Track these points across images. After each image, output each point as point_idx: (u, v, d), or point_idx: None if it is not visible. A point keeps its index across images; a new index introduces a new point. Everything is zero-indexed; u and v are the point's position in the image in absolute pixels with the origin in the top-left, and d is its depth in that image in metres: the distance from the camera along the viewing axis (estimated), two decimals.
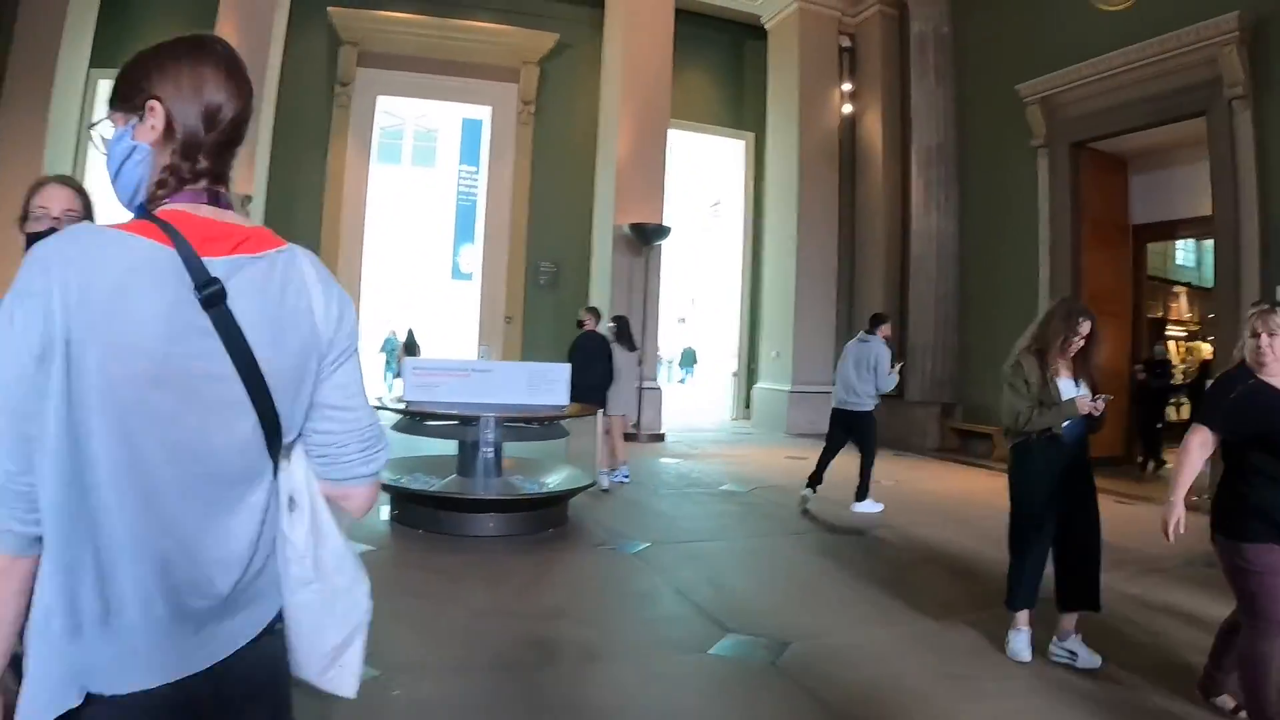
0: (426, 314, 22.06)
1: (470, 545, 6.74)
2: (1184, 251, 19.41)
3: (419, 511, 7.10)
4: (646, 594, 5.79)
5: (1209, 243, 19.61)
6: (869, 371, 8.88)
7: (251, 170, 13.52)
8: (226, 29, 13.25)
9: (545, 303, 16.46)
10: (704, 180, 21.63)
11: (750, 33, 18.26)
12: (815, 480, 8.94)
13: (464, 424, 7.27)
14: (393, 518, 7.26)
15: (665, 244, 15.02)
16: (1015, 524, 4.89)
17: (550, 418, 7.60)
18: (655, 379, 14.86)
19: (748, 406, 18.08)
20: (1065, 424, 4.68)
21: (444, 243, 24.62)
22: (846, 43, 17.03)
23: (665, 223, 14.80)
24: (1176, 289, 18.53)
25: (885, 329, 9.25)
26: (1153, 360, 12.93)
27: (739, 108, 18.58)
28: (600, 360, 9.93)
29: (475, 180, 21.12)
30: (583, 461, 8.56)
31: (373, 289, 18.39)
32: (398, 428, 7.36)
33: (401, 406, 7.38)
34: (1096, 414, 4.67)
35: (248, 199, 13.10)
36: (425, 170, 25.72)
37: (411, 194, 24.70)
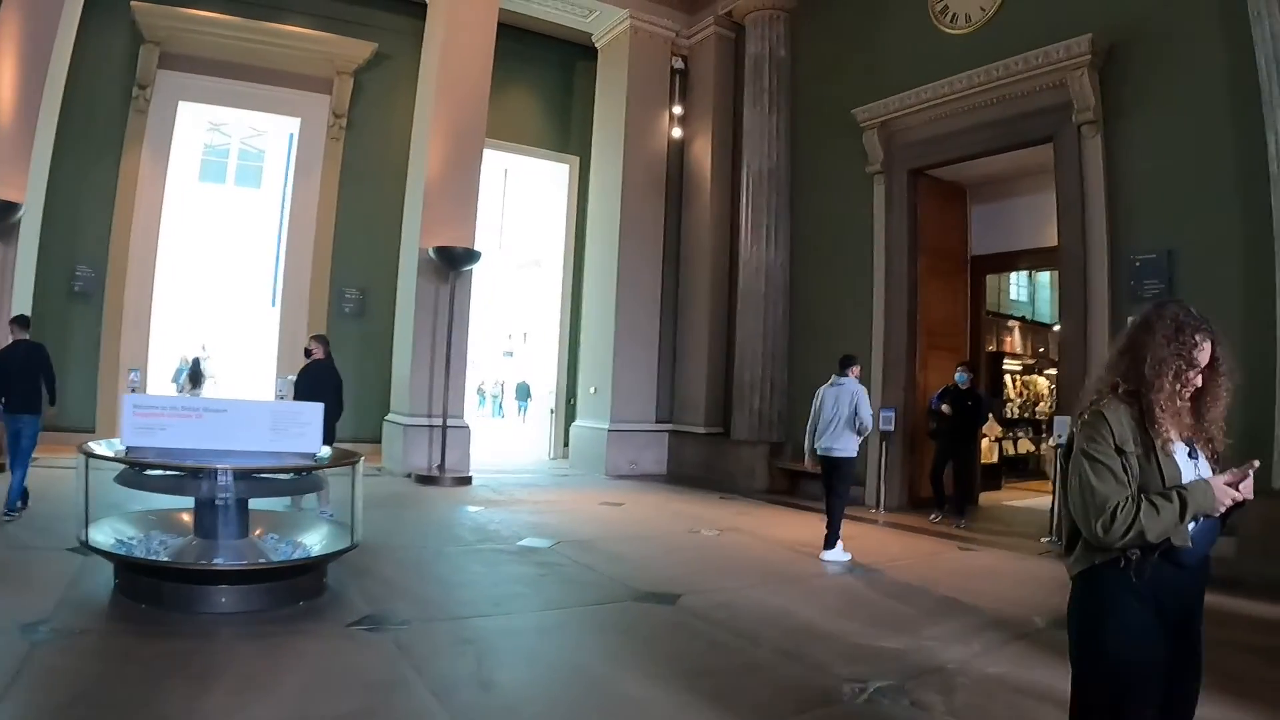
0: (242, 343, 20.38)
1: (195, 626, 5.41)
2: (1016, 286, 19.29)
3: (143, 582, 5.79)
4: (387, 698, 4.50)
5: (1042, 277, 19.84)
6: (849, 414, 8.79)
7: (25, 175, 12.05)
8: (9, 13, 11.96)
9: (350, 332, 15.18)
10: (531, 207, 20.54)
11: (581, 52, 17.43)
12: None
13: (193, 476, 5.97)
14: (116, 587, 5.90)
15: (489, 273, 13.93)
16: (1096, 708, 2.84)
17: (299, 469, 6.41)
18: (460, 415, 13.66)
19: (566, 445, 17.04)
20: (1193, 526, 2.72)
21: (265, 268, 22.97)
22: (679, 64, 16.25)
23: (477, 247, 13.72)
24: (1010, 323, 18.27)
25: (855, 369, 9.23)
26: (955, 390, 11.34)
27: (565, 130, 17.75)
28: (329, 391, 9.11)
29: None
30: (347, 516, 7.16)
31: (172, 313, 16.84)
32: (120, 480, 6.07)
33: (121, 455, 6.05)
34: (1241, 502, 2.71)
35: (12, 206, 11.67)
36: (250, 191, 24.10)
37: (235, 215, 23.14)
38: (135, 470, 6.07)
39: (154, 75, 14.66)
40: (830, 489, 8.98)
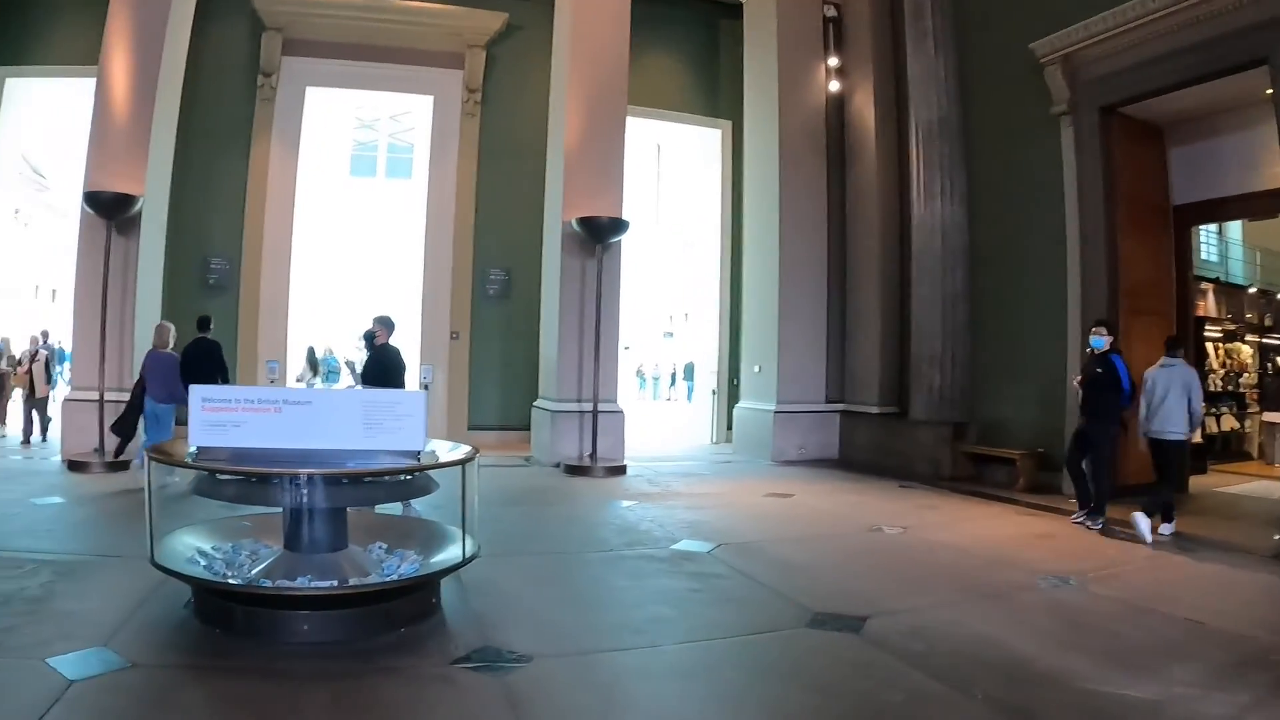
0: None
1: (265, 660, 4.48)
2: (1206, 245, 17.10)
3: (215, 604, 4.96)
4: None
5: (1233, 232, 17.74)
6: (1179, 397, 8.61)
7: (143, 167, 11.76)
8: (119, 6, 11.73)
9: (495, 315, 14.72)
10: (685, 180, 19.42)
11: (724, 11, 16.36)
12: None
13: (264, 483, 5.06)
14: (190, 607, 5.09)
15: (645, 251, 12.95)
16: None
17: (395, 471, 5.33)
18: (614, 400, 12.72)
19: (729, 428, 15.87)
20: None
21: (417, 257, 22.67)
22: (832, 11, 14.78)
23: (624, 217, 12.76)
24: (1204, 285, 16.10)
25: (1106, 334, 9.04)
26: (1094, 356, 9.25)
27: (714, 93, 16.69)
28: (398, 377, 8.57)
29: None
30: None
31: (314, 304, 16.52)
32: (200, 490, 5.21)
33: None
34: None
35: (129, 199, 11.38)
36: (401, 182, 24.06)
37: (387, 208, 23.06)
38: (210, 476, 5.18)
39: (278, 62, 14.45)
40: (1160, 471, 8.81)
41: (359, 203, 21.29)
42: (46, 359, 14.08)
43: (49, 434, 13.39)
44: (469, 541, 5.38)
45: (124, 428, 10.41)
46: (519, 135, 14.93)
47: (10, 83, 14.66)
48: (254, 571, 5.10)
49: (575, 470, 11.85)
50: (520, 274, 14.83)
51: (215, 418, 5.09)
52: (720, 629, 5.39)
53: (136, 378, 10.45)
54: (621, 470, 12.06)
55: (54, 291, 27.62)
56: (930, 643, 5.05)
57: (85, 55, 12.70)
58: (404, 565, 5.32)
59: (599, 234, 12.34)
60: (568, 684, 4.36)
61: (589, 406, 12.30)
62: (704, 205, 17.51)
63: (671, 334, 31.14)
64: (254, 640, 4.72)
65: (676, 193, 19.42)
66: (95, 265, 11.36)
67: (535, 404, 13.56)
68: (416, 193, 21.93)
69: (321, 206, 16.70)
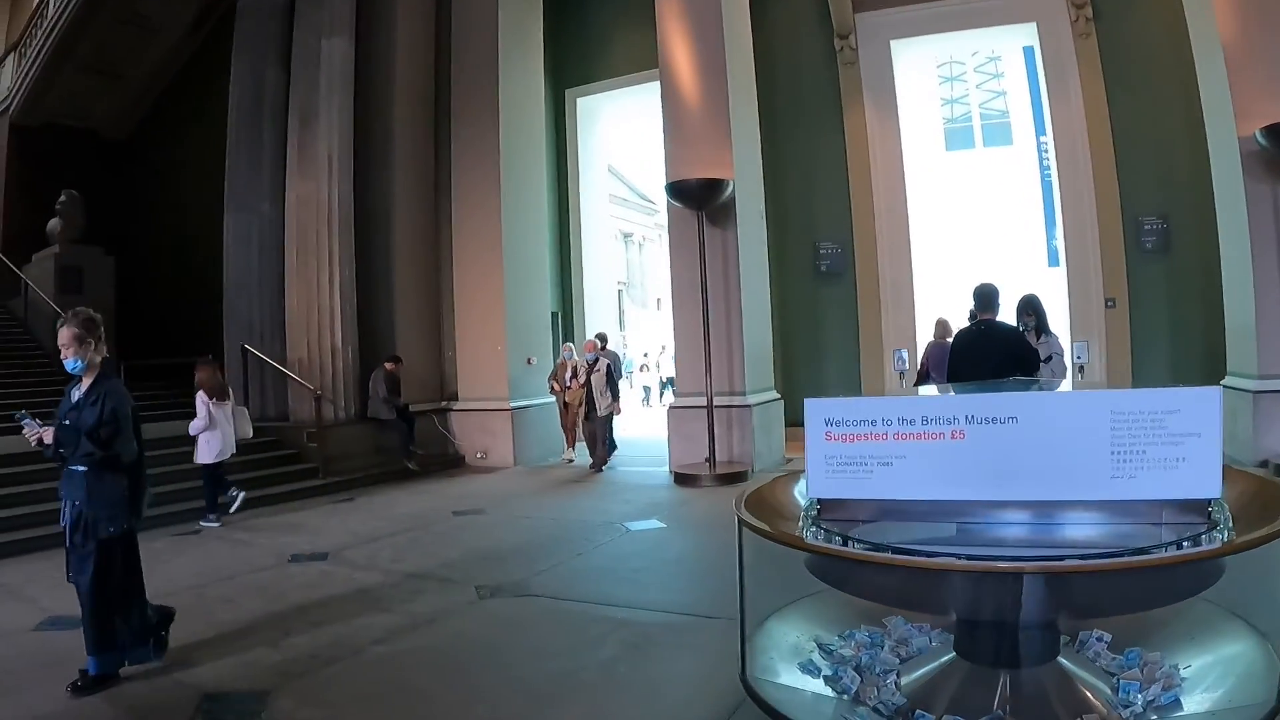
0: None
1: None
2: None
3: None
4: None
5: None
6: None
7: (726, 152, 10.88)
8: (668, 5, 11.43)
9: (1155, 273, 11.81)
10: None
11: None
12: None
13: (937, 582, 2.92)
14: None
15: None
16: None
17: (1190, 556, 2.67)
18: None
19: None
20: None
21: (1035, 227, 20.51)
22: None
23: None
24: None
25: None
26: None
27: None
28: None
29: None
30: None
31: (936, 287, 14.64)
32: (820, 572, 3.18)
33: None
34: None
35: (720, 184, 10.55)
36: (1001, 150, 22.21)
37: (990, 179, 21.26)
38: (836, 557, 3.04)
39: (852, 21, 13.21)
40: None
41: (963, 178, 19.99)
42: (608, 368, 12.11)
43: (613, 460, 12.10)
44: None
45: None
46: (1150, 46, 11.87)
47: (581, 102, 15.39)
48: (898, 696, 3.20)
49: None
50: (1180, 219, 11.72)
51: (845, 450, 3.10)
52: None
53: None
54: None
55: (658, 300, 28.46)
56: None
57: (646, 60, 12.64)
58: (1162, 693, 3.06)
59: None
60: None
61: None
62: None
63: None
64: None
65: None
66: (690, 261, 10.74)
67: (1224, 382, 10.05)
68: (1022, 158, 19.69)
69: (927, 179, 14.89)
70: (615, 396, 11.77)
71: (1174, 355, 11.76)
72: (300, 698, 4.05)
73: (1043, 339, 8.07)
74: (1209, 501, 2.82)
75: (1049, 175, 18.01)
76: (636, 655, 4.38)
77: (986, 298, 6.86)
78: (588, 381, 11.78)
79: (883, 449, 3.03)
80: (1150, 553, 2.60)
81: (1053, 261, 19.24)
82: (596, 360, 11.81)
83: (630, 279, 35.03)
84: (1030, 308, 8.22)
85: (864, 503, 3.11)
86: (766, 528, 3.08)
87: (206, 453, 8.76)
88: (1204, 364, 11.10)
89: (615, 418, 12.25)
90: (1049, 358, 7.99)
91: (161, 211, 17.97)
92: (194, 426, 8.75)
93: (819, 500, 3.17)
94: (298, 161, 12.15)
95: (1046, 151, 18.45)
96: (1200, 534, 2.68)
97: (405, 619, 5.22)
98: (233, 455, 9.13)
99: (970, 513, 3.01)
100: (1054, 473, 2.85)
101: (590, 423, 11.81)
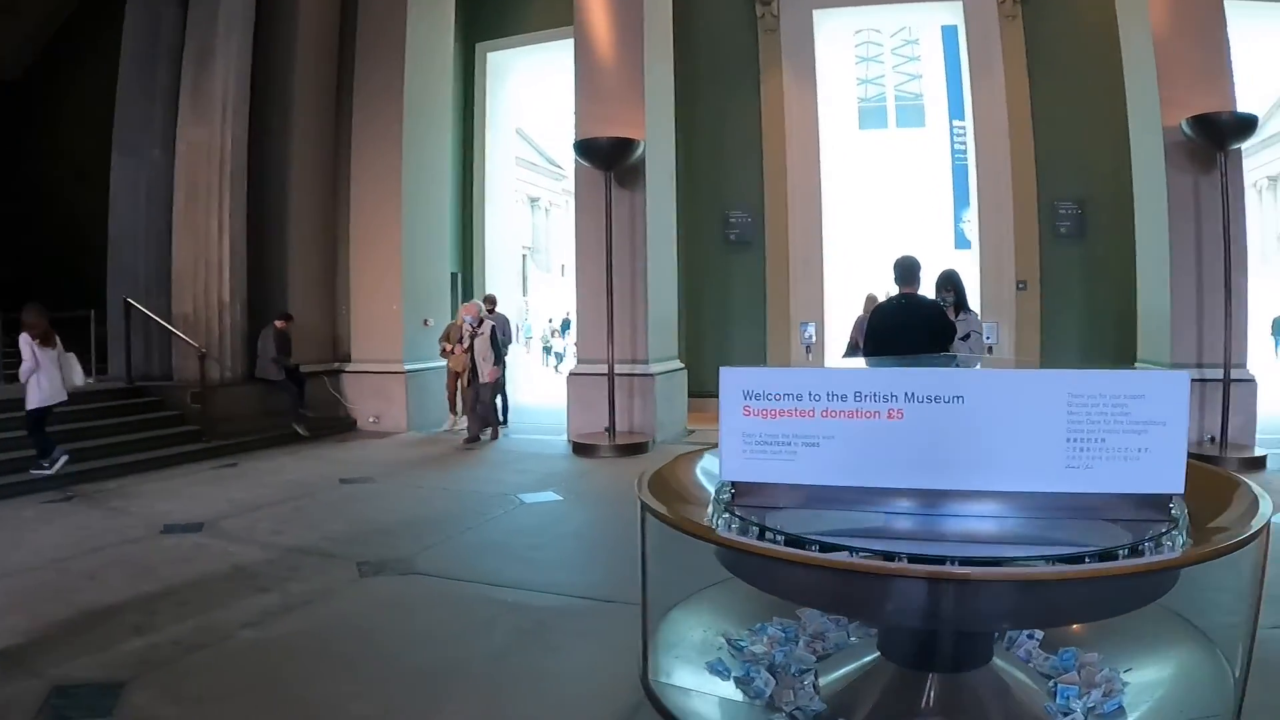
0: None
1: None
2: None
3: None
4: None
5: None
6: None
7: (639, 112, 10.55)
8: None
9: (1069, 258, 11.88)
10: None
11: None
12: None
13: (864, 582, 2.44)
14: None
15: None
16: None
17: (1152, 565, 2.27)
18: (1245, 364, 9.32)
19: None
20: None
21: (943, 210, 20.52)
22: None
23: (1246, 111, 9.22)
24: None
25: None
26: None
27: None
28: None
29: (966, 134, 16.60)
30: None
31: (846, 262, 14.46)
32: (732, 566, 2.80)
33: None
34: None
35: (629, 144, 10.20)
36: (914, 131, 22.52)
37: (901, 160, 21.62)
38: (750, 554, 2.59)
39: None
40: None
41: (872, 156, 20.40)
42: (493, 331, 11.12)
43: (499, 431, 11.41)
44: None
45: None
46: (1076, 32, 11.84)
47: (492, 57, 14.81)
48: (816, 702, 2.87)
49: (1200, 457, 8.47)
50: (1098, 204, 11.75)
51: (763, 428, 2.66)
52: None
53: None
54: (1260, 463, 8.53)
55: (563, 267, 28.10)
56: None
57: (563, 17, 12.08)
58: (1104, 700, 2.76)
59: (1219, 137, 8.90)
60: None
61: (1215, 374, 8.98)
62: None
63: None
64: None
65: None
66: (596, 223, 10.31)
67: (1136, 367, 10.21)
68: (934, 141, 19.83)
69: (841, 155, 14.77)
70: (499, 361, 11.09)
71: (1085, 339, 11.87)
72: (159, 690, 3.56)
73: (961, 315, 7.86)
74: (1169, 497, 2.49)
75: (962, 159, 18.11)
76: (530, 643, 4.00)
77: (908, 270, 6.50)
78: (471, 345, 11.15)
79: (809, 426, 2.59)
80: (1143, 555, 2.21)
81: (960, 244, 19.39)
82: (481, 323, 11.08)
83: (536, 244, 34.51)
84: (949, 283, 7.98)
85: (785, 487, 2.68)
86: (672, 517, 2.66)
87: (35, 397, 8.11)
88: (1115, 349, 11.20)
89: (505, 385, 11.88)
90: (967, 335, 7.81)
91: (53, 157, 16.83)
92: (23, 372, 8.10)
93: (730, 483, 2.74)
94: (191, 104, 11.19)
95: (960, 135, 18.58)
96: (1162, 534, 2.35)
97: (281, 599, 4.73)
98: (62, 403, 8.44)
99: (906, 502, 2.61)
100: (1003, 460, 2.47)
101: (471, 388, 11.16)
